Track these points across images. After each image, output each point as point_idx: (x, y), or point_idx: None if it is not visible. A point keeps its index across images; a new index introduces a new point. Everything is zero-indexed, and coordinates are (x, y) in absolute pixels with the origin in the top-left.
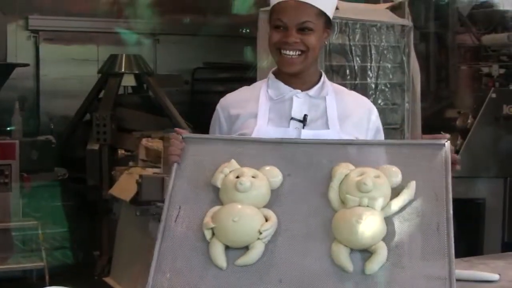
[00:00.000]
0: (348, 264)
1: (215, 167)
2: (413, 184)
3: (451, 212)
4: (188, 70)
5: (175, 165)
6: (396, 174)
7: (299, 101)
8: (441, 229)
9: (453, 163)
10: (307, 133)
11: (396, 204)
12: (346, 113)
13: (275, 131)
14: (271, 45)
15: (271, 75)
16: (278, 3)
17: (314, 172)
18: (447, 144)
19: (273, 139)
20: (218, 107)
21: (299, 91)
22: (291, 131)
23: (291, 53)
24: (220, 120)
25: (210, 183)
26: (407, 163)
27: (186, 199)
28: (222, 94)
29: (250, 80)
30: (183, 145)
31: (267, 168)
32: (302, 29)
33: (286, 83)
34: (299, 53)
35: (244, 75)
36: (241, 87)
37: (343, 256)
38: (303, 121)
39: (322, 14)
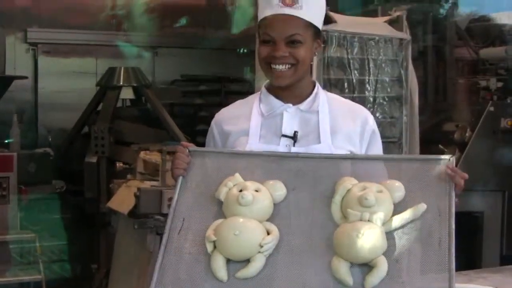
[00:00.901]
0: (348, 278)
1: (220, 180)
2: (422, 207)
3: (453, 227)
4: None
5: (180, 178)
6: (399, 189)
7: (290, 116)
8: (443, 244)
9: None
10: (297, 150)
11: (398, 221)
12: (338, 125)
13: (266, 149)
14: (261, 60)
15: (263, 89)
16: (265, 17)
17: (319, 186)
18: (452, 159)
19: (277, 153)
20: (212, 122)
21: (290, 105)
22: (282, 149)
23: (280, 67)
24: (214, 135)
25: (214, 197)
26: (411, 178)
27: (190, 212)
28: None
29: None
30: (189, 159)
31: (271, 182)
32: (291, 42)
33: (277, 97)
34: (289, 66)
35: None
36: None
37: (343, 270)
38: (294, 137)
39: (310, 25)
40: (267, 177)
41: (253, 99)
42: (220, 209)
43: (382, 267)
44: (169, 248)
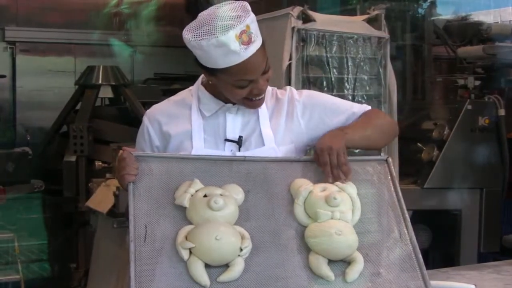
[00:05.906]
0: (329, 273)
1: (173, 185)
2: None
3: (408, 218)
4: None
5: (131, 184)
6: (353, 187)
7: (232, 118)
8: (403, 236)
9: None
10: (243, 154)
11: (357, 216)
12: (275, 119)
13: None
14: (239, 100)
15: (201, 87)
16: (234, 65)
17: (272, 188)
18: (389, 159)
19: (224, 157)
20: (145, 120)
21: (230, 104)
22: (227, 154)
23: (262, 96)
24: (150, 134)
25: (170, 202)
26: (355, 179)
27: (150, 219)
28: None
29: None
30: (138, 164)
31: (229, 185)
32: (265, 71)
33: (216, 96)
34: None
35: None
36: None
37: (323, 266)
38: (238, 142)
39: (263, 43)
40: (220, 181)
41: (188, 97)
42: (180, 215)
43: (360, 261)
44: (139, 257)
